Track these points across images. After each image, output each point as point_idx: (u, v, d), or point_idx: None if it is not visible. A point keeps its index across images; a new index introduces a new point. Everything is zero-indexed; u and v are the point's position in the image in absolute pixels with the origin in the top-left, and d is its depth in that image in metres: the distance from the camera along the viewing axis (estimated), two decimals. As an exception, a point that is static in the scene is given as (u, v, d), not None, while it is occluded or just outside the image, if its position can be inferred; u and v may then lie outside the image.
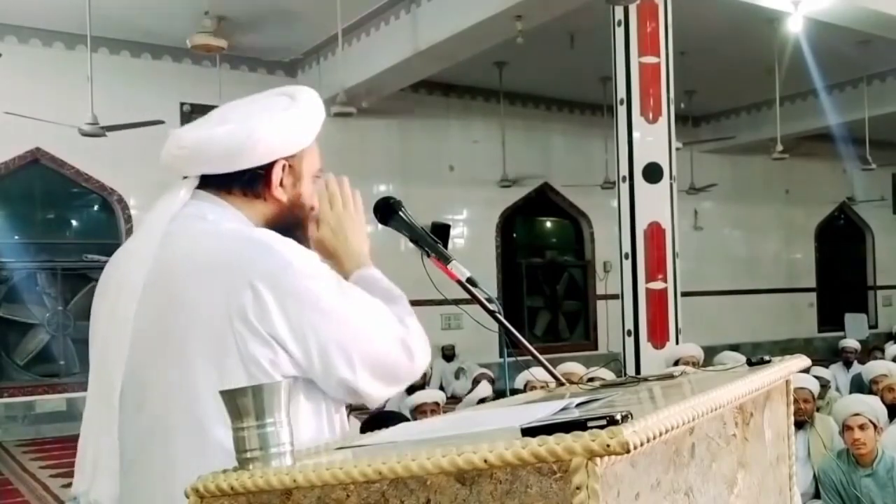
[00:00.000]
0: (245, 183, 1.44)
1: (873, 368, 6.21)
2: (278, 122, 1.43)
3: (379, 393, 1.37)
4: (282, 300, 1.28)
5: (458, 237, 12.04)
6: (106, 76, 8.34)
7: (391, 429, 1.37)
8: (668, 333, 6.90)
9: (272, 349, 1.28)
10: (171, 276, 1.35)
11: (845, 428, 4.17)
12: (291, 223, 1.47)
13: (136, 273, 1.37)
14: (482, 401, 5.46)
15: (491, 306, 1.61)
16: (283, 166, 1.44)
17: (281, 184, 1.45)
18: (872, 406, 4.23)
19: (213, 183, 1.44)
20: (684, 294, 7.28)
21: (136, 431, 1.35)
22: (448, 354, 11.18)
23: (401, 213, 1.64)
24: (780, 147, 10.80)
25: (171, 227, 1.40)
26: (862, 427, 4.08)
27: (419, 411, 5.11)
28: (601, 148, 11.70)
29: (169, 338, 1.33)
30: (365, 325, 1.36)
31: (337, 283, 1.37)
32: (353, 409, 2.43)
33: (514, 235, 13.45)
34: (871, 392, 5.58)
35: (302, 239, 1.45)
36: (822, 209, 16.45)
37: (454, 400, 8.10)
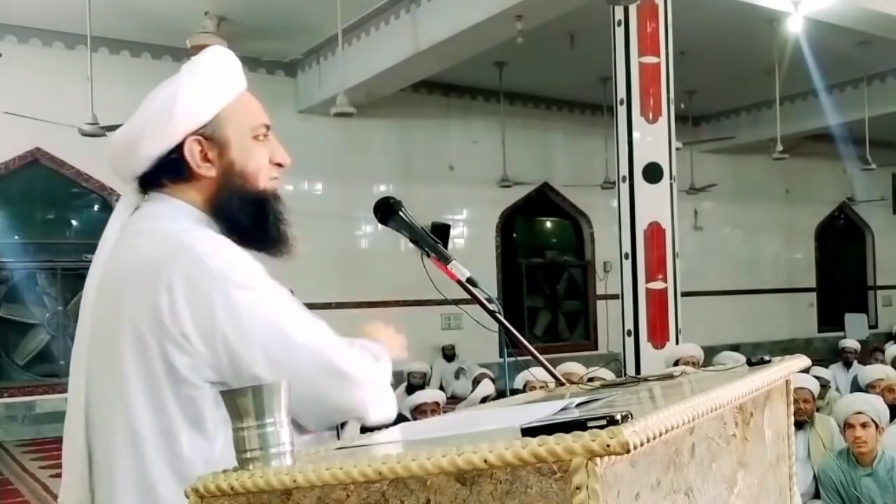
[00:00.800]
0: (169, 172, 1.38)
1: (870, 373, 6.21)
2: (161, 102, 1.37)
3: (295, 408, 1.10)
4: (192, 299, 1.24)
5: (458, 237, 12.04)
6: (106, 76, 8.33)
7: (391, 429, 1.37)
8: (668, 333, 6.91)
9: (187, 351, 1.25)
10: (111, 284, 1.34)
11: (847, 426, 4.17)
12: (237, 194, 1.38)
13: (90, 284, 1.38)
14: (485, 399, 5.47)
15: (491, 306, 1.60)
16: (197, 140, 1.36)
17: (205, 159, 1.37)
18: (875, 405, 4.23)
19: (149, 181, 1.40)
20: (684, 294, 7.28)
21: (94, 445, 1.36)
22: (448, 354, 11.19)
23: (401, 213, 1.64)
24: (780, 147, 10.81)
25: (122, 233, 1.39)
26: (864, 426, 4.09)
27: (419, 411, 5.12)
28: (601, 148, 11.70)
29: (109, 346, 1.31)
30: (279, 328, 1.26)
31: (262, 287, 1.29)
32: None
33: (514, 235, 13.45)
34: (869, 394, 5.59)
35: (260, 206, 1.38)
36: (822, 209, 16.46)
37: (454, 400, 8.11)
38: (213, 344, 1.24)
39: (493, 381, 6.94)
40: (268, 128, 1.43)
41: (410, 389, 7.49)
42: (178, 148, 1.36)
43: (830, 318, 15.93)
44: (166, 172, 1.38)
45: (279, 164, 1.43)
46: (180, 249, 1.27)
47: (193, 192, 1.38)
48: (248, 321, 1.25)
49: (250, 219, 1.38)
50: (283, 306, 1.29)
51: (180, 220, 1.35)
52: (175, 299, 1.24)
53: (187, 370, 1.25)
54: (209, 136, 1.37)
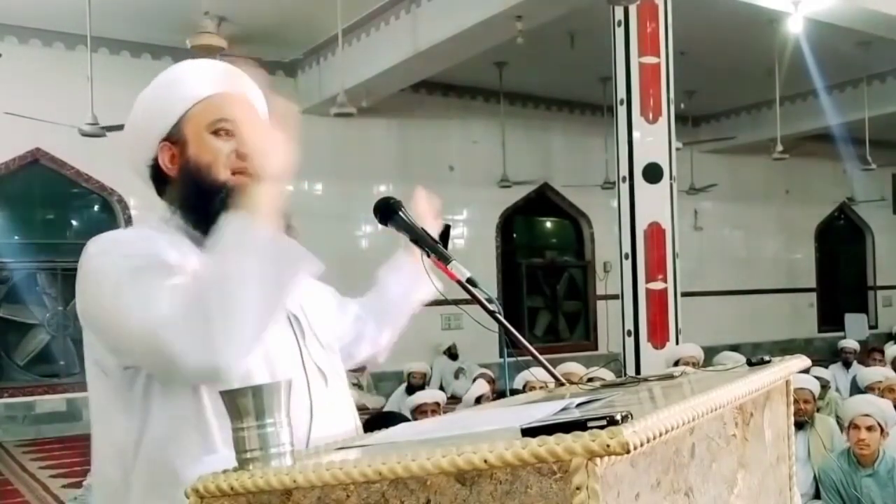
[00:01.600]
0: (156, 179, 1.50)
1: (869, 375, 6.22)
2: (133, 118, 1.51)
3: (162, 365, 1.22)
4: (81, 290, 1.36)
5: (458, 237, 12.04)
6: (106, 76, 8.33)
7: (391, 429, 1.37)
8: (668, 333, 6.91)
9: (90, 339, 1.38)
10: None
11: (852, 426, 4.17)
12: (191, 186, 1.43)
13: None
14: (479, 399, 5.46)
15: (491, 306, 1.60)
16: (166, 145, 1.47)
17: (173, 160, 1.46)
18: (883, 409, 4.23)
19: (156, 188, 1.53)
20: (684, 294, 7.28)
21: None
22: (454, 354, 11.18)
23: (401, 213, 1.64)
24: (780, 147, 10.80)
25: None
26: (869, 428, 4.10)
27: (419, 411, 5.11)
28: (601, 148, 11.70)
29: None
30: (119, 311, 1.27)
31: (123, 271, 1.29)
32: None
33: (514, 235, 13.45)
34: (867, 398, 5.59)
35: (210, 197, 1.40)
36: (822, 209, 16.45)
37: (454, 400, 8.11)
38: (96, 332, 1.36)
39: (492, 381, 6.94)
40: (228, 121, 1.45)
41: (410, 389, 7.49)
42: (155, 156, 1.48)
43: (830, 318, 15.93)
44: (155, 180, 1.50)
45: (242, 155, 1.43)
46: (86, 246, 1.39)
47: (172, 193, 1.47)
48: (92, 310, 1.35)
49: (201, 210, 1.41)
50: (119, 291, 1.28)
51: (149, 222, 1.49)
52: (77, 293, 1.38)
53: (96, 353, 1.38)
54: (174, 139, 1.46)
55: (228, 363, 1.22)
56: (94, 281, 1.35)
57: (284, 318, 1.45)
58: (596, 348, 13.26)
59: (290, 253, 1.31)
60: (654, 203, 6.90)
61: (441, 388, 9.48)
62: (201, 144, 1.44)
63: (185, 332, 1.20)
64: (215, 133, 1.45)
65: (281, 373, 1.35)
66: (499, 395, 5.83)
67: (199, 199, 1.42)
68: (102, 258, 1.36)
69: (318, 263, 1.35)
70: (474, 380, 7.35)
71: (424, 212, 1.71)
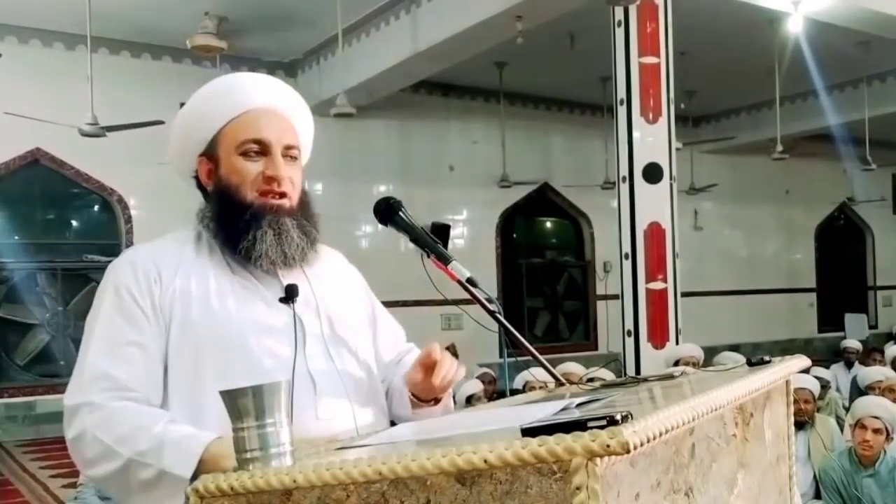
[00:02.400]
0: (199, 188, 1.58)
1: (869, 375, 6.22)
2: (173, 135, 1.59)
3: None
4: None
5: (458, 237, 12.04)
6: (106, 76, 8.34)
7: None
8: (668, 333, 6.90)
9: None
10: None
11: (859, 425, 4.16)
12: (221, 206, 1.50)
13: None
14: (470, 398, 5.45)
15: (491, 306, 1.60)
16: (202, 160, 1.55)
17: (209, 175, 1.54)
18: (893, 414, 4.22)
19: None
20: (684, 294, 7.28)
21: None
22: (454, 353, 11.17)
23: (401, 213, 1.64)
24: (780, 147, 10.79)
25: None
26: (876, 431, 4.10)
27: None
28: (601, 148, 11.69)
29: None
30: (85, 344, 1.43)
31: (99, 302, 1.45)
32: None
33: (514, 235, 13.44)
34: (866, 397, 5.58)
35: (235, 217, 1.47)
36: (822, 209, 16.45)
37: (454, 400, 8.09)
38: None
39: (494, 380, 6.93)
40: (256, 142, 1.49)
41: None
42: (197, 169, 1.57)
43: (830, 318, 15.92)
44: (200, 189, 1.58)
45: (270, 178, 1.48)
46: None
47: (206, 206, 1.55)
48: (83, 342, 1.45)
49: (227, 230, 1.48)
50: (90, 329, 1.43)
51: (182, 231, 1.56)
52: None
53: None
54: (210, 155, 1.53)
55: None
56: (94, 303, 1.47)
57: (285, 325, 1.46)
58: (596, 348, 13.26)
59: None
60: (654, 203, 6.89)
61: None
62: (230, 165, 1.50)
63: (93, 440, 1.34)
64: (244, 154, 1.49)
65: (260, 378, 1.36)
66: (499, 395, 5.82)
67: (226, 219, 1.48)
68: (106, 279, 1.48)
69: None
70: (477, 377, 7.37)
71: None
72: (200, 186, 1.57)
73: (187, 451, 1.26)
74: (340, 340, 1.54)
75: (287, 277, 1.50)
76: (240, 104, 1.52)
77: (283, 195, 1.49)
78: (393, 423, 1.58)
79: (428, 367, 1.50)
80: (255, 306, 1.46)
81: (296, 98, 1.61)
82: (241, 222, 1.46)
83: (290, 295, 1.47)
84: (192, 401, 1.38)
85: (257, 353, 1.42)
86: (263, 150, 1.49)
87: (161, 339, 1.41)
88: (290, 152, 1.53)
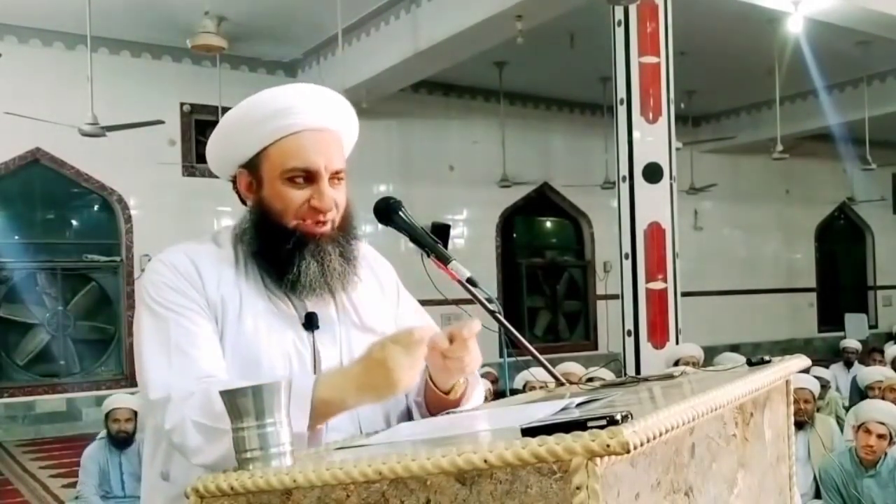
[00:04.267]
0: (236, 192, 1.53)
1: (869, 374, 6.22)
2: (213, 138, 1.52)
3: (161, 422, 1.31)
4: None
5: (458, 237, 12.04)
6: (106, 76, 8.34)
7: (391, 429, 1.37)
8: (668, 333, 6.91)
9: None
10: None
11: (863, 429, 4.15)
12: (259, 225, 1.46)
13: None
14: None
15: (491, 306, 1.60)
16: (242, 172, 1.49)
17: (249, 189, 1.49)
18: None
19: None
20: (684, 294, 7.28)
21: None
22: None
23: (401, 213, 1.63)
24: (780, 147, 10.80)
25: None
26: (881, 436, 4.09)
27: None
28: (601, 148, 11.70)
29: None
30: (139, 348, 1.39)
31: (150, 305, 1.41)
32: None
33: (514, 235, 13.44)
34: (866, 397, 5.58)
35: (273, 242, 1.44)
36: (822, 209, 16.45)
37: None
38: None
39: (496, 380, 6.93)
40: (307, 172, 1.44)
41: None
42: (235, 175, 1.52)
43: (830, 318, 15.92)
44: (237, 192, 1.53)
45: (316, 209, 1.44)
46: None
47: (246, 217, 1.50)
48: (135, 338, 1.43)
49: (268, 253, 1.45)
50: (147, 327, 1.39)
51: (217, 234, 1.53)
52: None
53: None
54: (252, 170, 1.48)
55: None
56: (141, 304, 1.44)
57: (309, 353, 1.45)
58: (596, 348, 13.26)
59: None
60: (654, 203, 6.90)
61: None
62: (274, 190, 1.45)
63: (194, 426, 1.26)
64: (290, 181, 1.44)
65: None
66: (499, 395, 5.82)
67: (267, 244, 1.45)
68: (141, 288, 1.45)
69: None
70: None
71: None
72: (236, 191, 1.53)
73: (296, 403, 1.18)
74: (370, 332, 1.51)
75: (314, 301, 1.48)
76: (290, 125, 1.44)
77: (325, 222, 1.46)
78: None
79: (455, 339, 1.41)
80: (285, 333, 1.44)
81: (346, 110, 1.55)
82: (282, 251, 1.43)
83: (310, 323, 1.46)
84: None
85: (271, 378, 1.40)
86: (310, 177, 1.44)
87: (215, 325, 1.40)
88: (337, 175, 1.47)
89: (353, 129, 1.57)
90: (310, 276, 1.43)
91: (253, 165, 1.46)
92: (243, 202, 1.52)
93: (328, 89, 1.53)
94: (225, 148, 1.50)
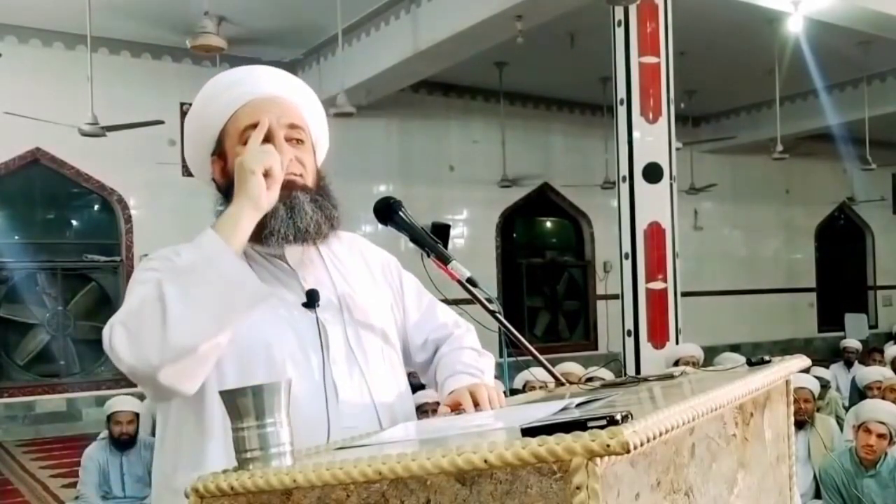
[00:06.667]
0: (218, 190, 1.53)
1: (868, 374, 6.21)
2: (185, 136, 1.59)
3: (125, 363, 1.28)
4: None
5: (458, 237, 12.04)
6: (106, 76, 8.34)
7: (391, 429, 1.37)
8: (668, 333, 6.90)
9: None
10: None
11: (863, 428, 4.15)
12: (232, 189, 1.43)
13: None
14: None
15: (491, 306, 1.60)
16: (213, 160, 1.52)
17: (223, 174, 1.50)
18: None
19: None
20: (684, 294, 7.28)
21: None
22: None
23: (401, 213, 1.64)
24: (780, 147, 10.79)
25: None
26: (881, 436, 4.09)
27: (420, 411, 5.08)
28: (601, 148, 11.70)
29: None
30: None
31: (138, 275, 1.41)
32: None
33: (514, 235, 13.44)
34: (866, 397, 5.58)
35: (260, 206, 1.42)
36: (822, 209, 16.45)
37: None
38: None
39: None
40: (255, 126, 1.44)
41: (412, 388, 7.48)
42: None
43: (830, 318, 15.92)
44: (218, 191, 1.52)
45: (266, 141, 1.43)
46: None
47: (223, 195, 1.50)
48: None
49: None
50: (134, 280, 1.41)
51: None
52: None
53: None
54: (220, 153, 1.51)
55: (153, 367, 1.24)
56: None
57: (307, 329, 1.44)
58: (596, 348, 13.26)
59: (244, 290, 1.29)
60: (654, 203, 6.90)
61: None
62: (235, 157, 1.44)
63: (126, 330, 1.26)
64: (245, 143, 1.44)
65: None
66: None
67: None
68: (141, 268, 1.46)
69: (270, 296, 1.34)
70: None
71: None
72: (218, 189, 1.52)
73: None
74: (364, 341, 1.51)
75: (307, 271, 1.48)
76: (242, 95, 1.48)
77: (291, 174, 1.44)
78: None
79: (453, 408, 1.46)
80: (276, 311, 1.42)
81: (302, 86, 1.57)
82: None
83: (311, 301, 1.44)
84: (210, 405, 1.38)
85: (279, 359, 1.39)
86: (266, 135, 1.43)
87: None
88: (294, 133, 1.48)
89: (315, 107, 1.59)
90: (277, 221, 1.42)
91: (219, 147, 1.50)
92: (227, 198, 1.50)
93: (282, 70, 1.58)
94: (195, 141, 1.55)
